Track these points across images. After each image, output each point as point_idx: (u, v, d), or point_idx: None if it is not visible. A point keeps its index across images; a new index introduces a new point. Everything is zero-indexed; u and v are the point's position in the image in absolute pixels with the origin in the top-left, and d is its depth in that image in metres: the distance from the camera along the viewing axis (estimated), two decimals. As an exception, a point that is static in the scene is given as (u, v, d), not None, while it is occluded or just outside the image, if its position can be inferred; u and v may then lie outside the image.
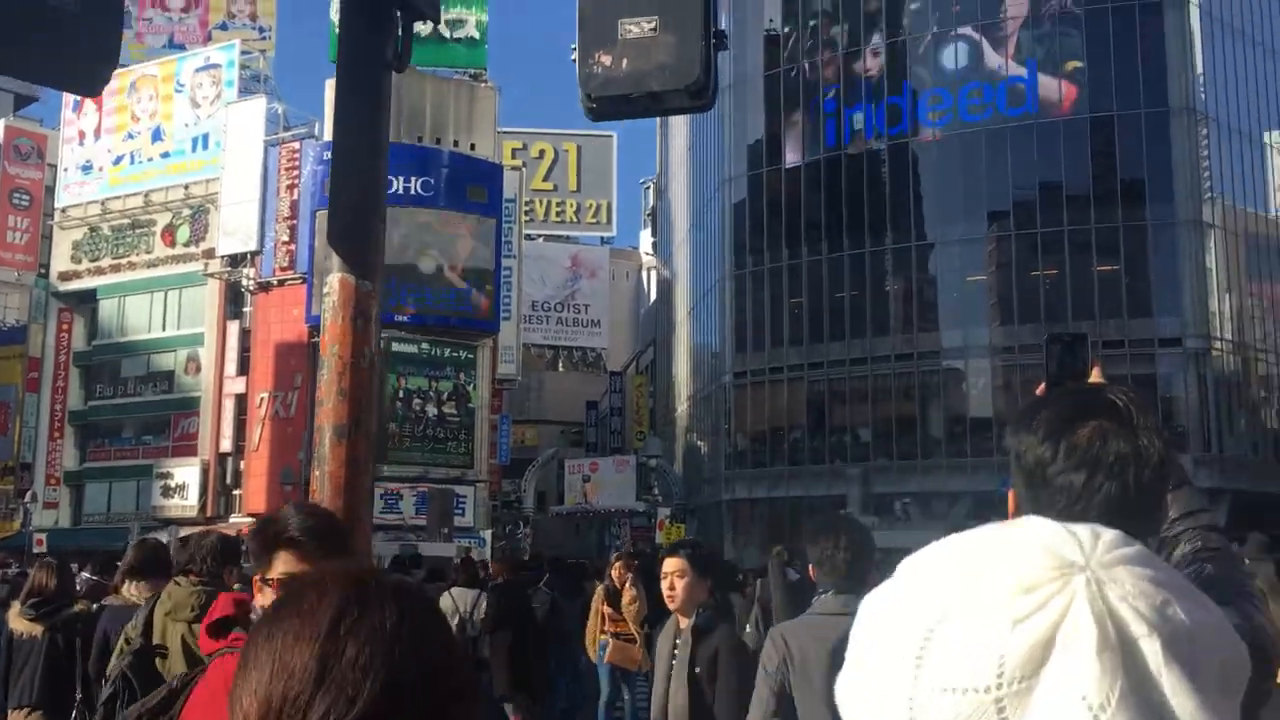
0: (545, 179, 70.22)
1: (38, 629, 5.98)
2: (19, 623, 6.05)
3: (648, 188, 75.30)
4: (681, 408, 53.06)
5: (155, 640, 4.83)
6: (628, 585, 10.10)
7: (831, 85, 41.35)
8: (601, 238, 71.82)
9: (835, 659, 3.40)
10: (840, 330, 39.57)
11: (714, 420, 46.14)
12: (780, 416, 41.50)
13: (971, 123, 38.60)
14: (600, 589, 10.75)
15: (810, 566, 3.91)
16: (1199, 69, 37.18)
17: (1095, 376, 1.71)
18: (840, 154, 40.63)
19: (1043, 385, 1.71)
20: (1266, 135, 40.23)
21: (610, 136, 73.96)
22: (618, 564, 10.53)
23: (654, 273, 68.63)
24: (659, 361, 59.61)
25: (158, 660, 4.70)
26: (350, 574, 1.02)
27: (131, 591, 5.76)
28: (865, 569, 3.79)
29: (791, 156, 42.30)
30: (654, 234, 70.01)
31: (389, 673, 0.92)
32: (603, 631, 10.57)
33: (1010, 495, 1.54)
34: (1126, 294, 35.59)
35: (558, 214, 70.61)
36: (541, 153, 70.41)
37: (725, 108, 45.39)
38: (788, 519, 37.02)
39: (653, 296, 68.16)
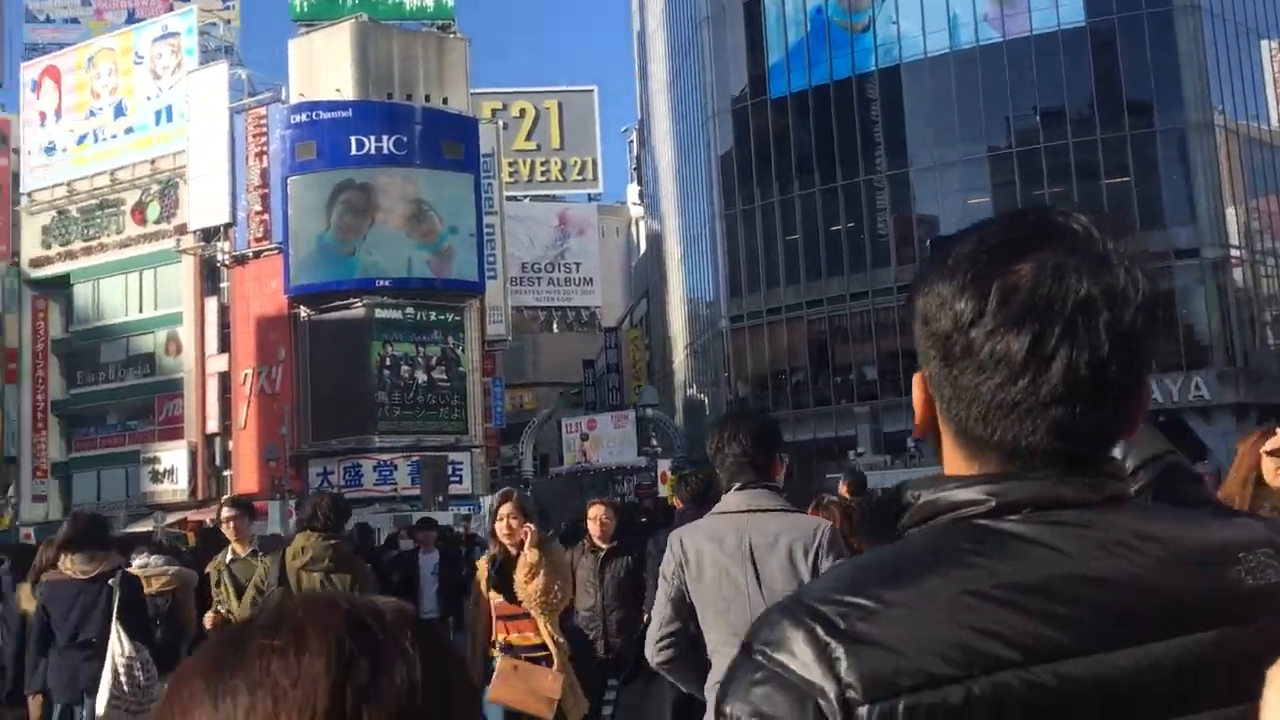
0: (528, 138, 68.59)
1: None
2: (32, 603, 6.08)
3: (630, 137, 73.42)
4: (679, 359, 51.51)
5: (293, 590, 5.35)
6: (528, 546, 5.36)
7: (816, 7, 39.44)
8: (588, 194, 70.22)
9: (729, 557, 3.34)
10: (838, 265, 37.93)
11: (713, 368, 44.61)
12: (781, 359, 39.94)
13: (966, 36, 36.80)
14: (482, 561, 5.79)
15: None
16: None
17: None
18: (829, 80, 38.81)
19: None
20: (1263, 44, 38.35)
21: (591, 90, 72.26)
22: (504, 505, 5.55)
23: (643, 224, 66.97)
24: (653, 313, 58.02)
25: None
26: (341, 609, 0.69)
27: (67, 565, 5.71)
28: (764, 462, 3.52)
29: (777, 86, 40.45)
30: (640, 183, 68.26)
31: None
32: (492, 643, 5.57)
33: (917, 382, 1.03)
34: (1138, 206, 33.90)
35: (542, 173, 69.04)
36: (522, 112, 68.69)
37: (705, 41, 43.52)
38: (795, 465, 35.55)
39: (643, 249, 66.53)
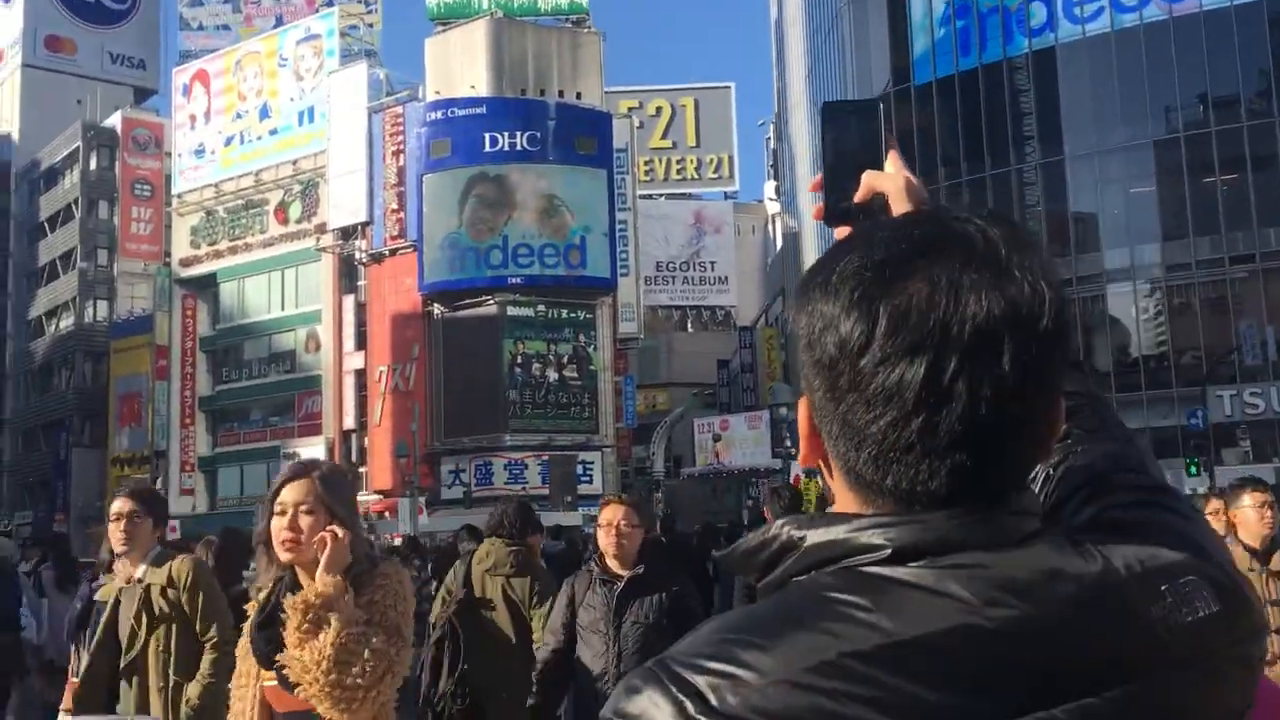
0: (663, 136, 67.95)
1: None
2: None
3: (767, 133, 72.04)
4: (816, 359, 49.89)
5: (477, 594, 5.43)
6: (321, 569, 2.66)
7: (963, -13, 37.52)
8: (724, 193, 69.24)
9: None
10: (986, 259, 35.93)
11: (852, 368, 42.92)
12: (924, 358, 38.12)
13: (1128, 14, 34.36)
14: (252, 603, 2.98)
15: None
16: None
17: (892, 165, 1.12)
18: (977, 64, 36.81)
19: (817, 179, 1.14)
20: None
21: (728, 87, 71.33)
22: (291, 487, 2.80)
23: (779, 221, 65.50)
24: (788, 314, 56.47)
25: (482, 611, 5.40)
26: None
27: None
28: None
29: (921, 73, 38.60)
30: (777, 178, 66.82)
31: None
32: None
33: (802, 408, 0.91)
34: (1322, 194, 31.14)
35: (678, 172, 68.31)
36: (658, 110, 68.13)
37: (845, 27, 41.95)
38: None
39: (779, 246, 65.08)
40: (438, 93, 43.30)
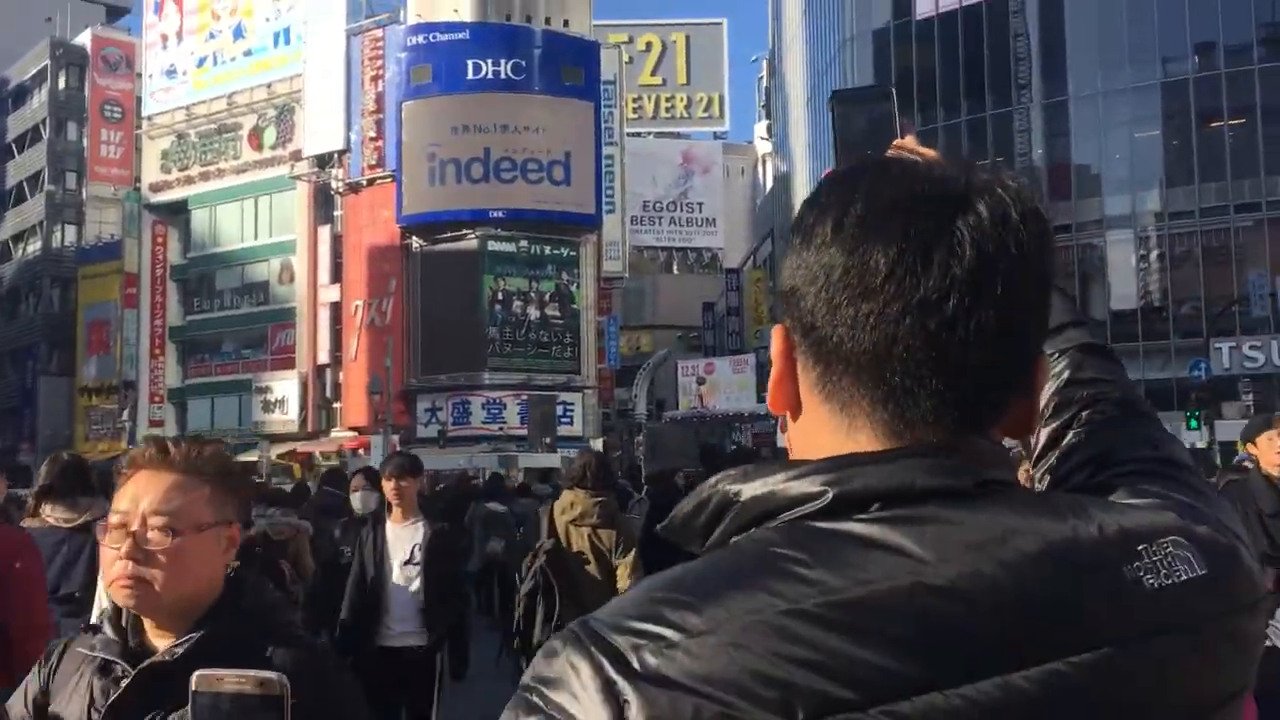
0: (653, 73, 66.40)
1: None
2: None
3: (760, 70, 70.44)
4: (804, 303, 48.92)
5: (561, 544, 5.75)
6: None
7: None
8: (714, 132, 67.85)
9: None
10: (984, 202, 34.91)
11: (841, 313, 41.94)
12: (916, 304, 37.19)
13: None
14: None
15: None
16: None
17: (909, 145, 1.06)
18: (980, 0, 35.51)
19: (830, 171, 1.07)
20: None
21: (720, 23, 69.71)
22: None
23: (770, 162, 64.15)
24: (777, 254, 55.35)
25: (571, 561, 5.72)
26: None
27: (48, 513, 5.33)
28: None
29: (923, 6, 37.22)
30: (769, 118, 65.37)
31: None
32: None
33: (777, 333, 0.84)
34: (1338, 141, 30.15)
35: (667, 110, 66.90)
36: (648, 45, 66.52)
37: (844, -43, 40.47)
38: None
39: (769, 188, 63.79)
40: (419, 16, 41.61)
